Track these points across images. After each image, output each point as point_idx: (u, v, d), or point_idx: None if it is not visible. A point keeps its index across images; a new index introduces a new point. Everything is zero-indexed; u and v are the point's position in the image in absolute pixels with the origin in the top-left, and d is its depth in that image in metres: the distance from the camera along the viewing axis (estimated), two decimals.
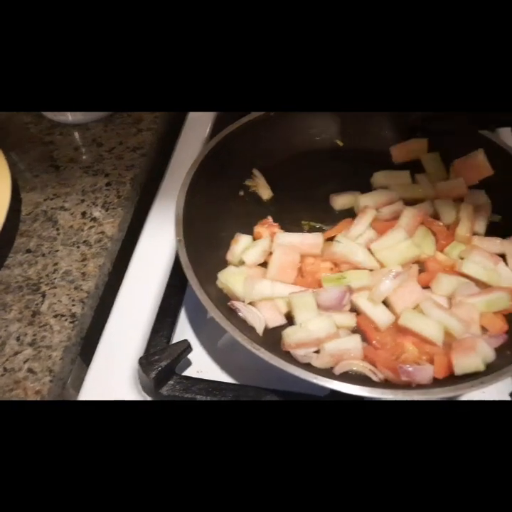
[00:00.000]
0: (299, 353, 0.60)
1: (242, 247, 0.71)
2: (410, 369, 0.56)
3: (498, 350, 0.61)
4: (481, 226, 0.74)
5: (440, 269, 0.70)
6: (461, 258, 0.71)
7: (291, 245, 0.70)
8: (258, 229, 0.74)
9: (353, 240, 0.71)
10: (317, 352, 0.62)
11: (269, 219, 0.76)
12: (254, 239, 0.74)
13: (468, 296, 0.66)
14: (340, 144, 0.88)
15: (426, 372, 0.57)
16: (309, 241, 0.71)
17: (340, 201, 0.80)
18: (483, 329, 0.65)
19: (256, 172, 0.82)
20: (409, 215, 0.74)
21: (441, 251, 0.73)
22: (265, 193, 0.81)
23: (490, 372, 0.55)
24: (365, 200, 0.78)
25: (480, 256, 0.68)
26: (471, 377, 0.55)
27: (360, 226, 0.73)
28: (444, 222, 0.76)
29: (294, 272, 0.69)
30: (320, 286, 0.67)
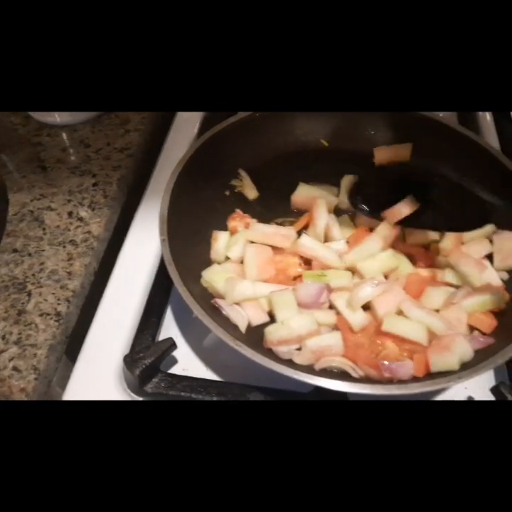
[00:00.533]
0: (281, 349, 0.61)
1: (223, 243, 0.72)
2: (393, 365, 0.57)
3: (479, 351, 0.62)
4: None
5: (423, 281, 0.70)
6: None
7: (264, 236, 0.72)
8: (232, 224, 0.75)
9: (320, 233, 0.74)
10: (299, 349, 0.62)
11: (239, 211, 0.77)
12: (231, 234, 0.75)
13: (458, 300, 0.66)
14: (326, 144, 0.89)
15: (407, 369, 0.58)
16: (283, 232, 0.73)
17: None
18: (472, 328, 0.66)
19: (242, 172, 0.83)
20: (385, 228, 0.75)
21: None
22: (251, 193, 0.82)
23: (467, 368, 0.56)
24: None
25: (465, 266, 0.68)
26: (449, 374, 0.56)
27: (320, 218, 0.75)
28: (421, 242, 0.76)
29: (271, 267, 0.70)
30: (293, 282, 0.69)
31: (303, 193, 0.82)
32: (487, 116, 1.03)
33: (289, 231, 0.74)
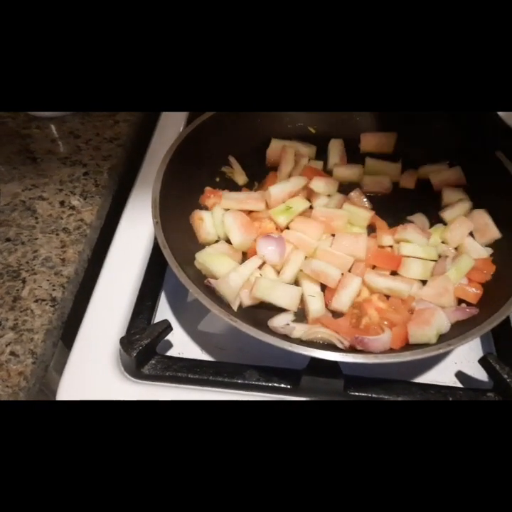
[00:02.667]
0: (277, 324, 0.62)
1: (210, 223, 0.74)
2: (365, 339, 0.58)
3: (465, 321, 0.64)
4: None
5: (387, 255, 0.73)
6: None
7: (238, 202, 0.76)
8: (207, 202, 0.77)
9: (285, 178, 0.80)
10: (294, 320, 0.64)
11: (209, 189, 0.79)
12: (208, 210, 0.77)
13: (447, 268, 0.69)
14: (313, 131, 0.90)
15: (381, 343, 0.59)
16: (254, 196, 0.77)
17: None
18: (460, 301, 0.68)
19: (232, 159, 0.84)
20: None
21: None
22: (241, 178, 0.83)
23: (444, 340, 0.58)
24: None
25: (412, 234, 0.72)
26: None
27: (287, 165, 0.82)
28: None
29: (253, 226, 0.73)
30: None
31: (276, 147, 0.85)
32: None
33: (260, 194, 0.78)
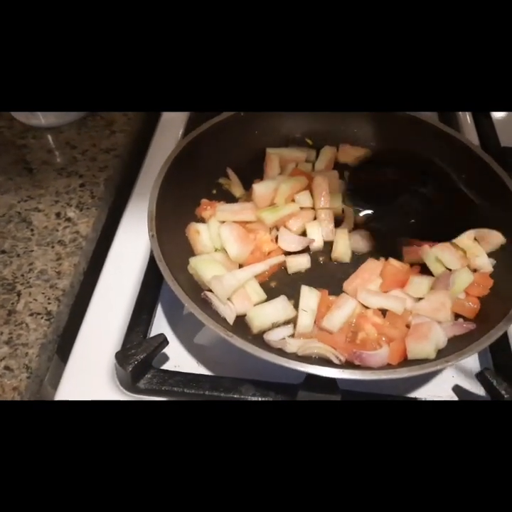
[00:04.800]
0: (273, 338, 0.62)
1: (206, 235, 0.74)
2: (363, 354, 0.58)
3: (462, 336, 0.64)
4: None
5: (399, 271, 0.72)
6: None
7: (233, 213, 0.76)
8: (203, 214, 0.77)
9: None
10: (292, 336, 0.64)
11: (205, 200, 0.79)
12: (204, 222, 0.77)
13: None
14: (310, 142, 0.90)
15: (379, 358, 0.59)
16: (249, 206, 0.77)
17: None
18: (457, 316, 0.67)
19: (229, 171, 0.84)
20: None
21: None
22: (237, 190, 0.83)
23: (442, 356, 0.58)
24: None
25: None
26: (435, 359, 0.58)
27: (272, 170, 0.83)
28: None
29: (249, 238, 0.73)
30: (268, 257, 0.73)
31: (272, 157, 0.85)
32: (467, 115, 1.05)
33: (254, 204, 0.78)
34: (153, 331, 0.70)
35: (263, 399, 0.62)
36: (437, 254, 0.71)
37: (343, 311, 0.66)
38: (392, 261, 0.72)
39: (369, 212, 0.80)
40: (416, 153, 0.84)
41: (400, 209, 0.80)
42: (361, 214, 0.80)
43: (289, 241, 0.74)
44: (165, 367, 0.68)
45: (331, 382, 0.60)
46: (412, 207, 0.79)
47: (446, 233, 0.74)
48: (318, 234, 0.76)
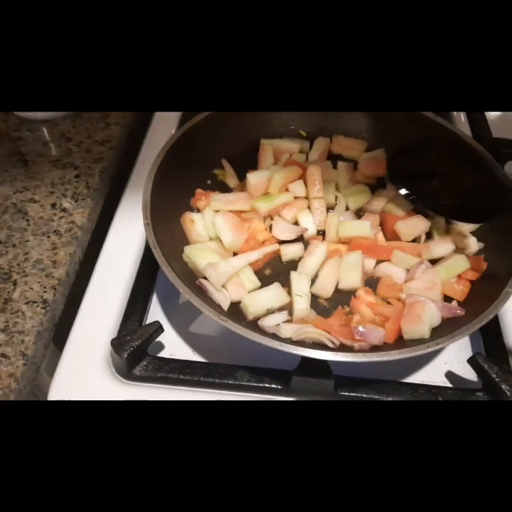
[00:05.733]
0: (267, 324, 0.62)
1: (201, 225, 0.74)
2: (365, 330, 0.60)
3: (452, 320, 0.65)
4: None
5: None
6: None
7: (228, 203, 0.77)
8: (197, 204, 0.78)
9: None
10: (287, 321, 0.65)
11: (200, 190, 0.79)
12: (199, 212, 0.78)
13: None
14: (304, 134, 0.91)
15: (378, 334, 0.60)
16: (243, 196, 0.78)
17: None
18: (447, 298, 0.69)
19: (224, 162, 0.85)
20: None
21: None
22: (232, 181, 0.83)
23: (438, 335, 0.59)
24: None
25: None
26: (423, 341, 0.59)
27: (266, 160, 0.84)
28: None
29: (244, 227, 0.74)
30: (262, 246, 0.74)
31: (266, 148, 0.86)
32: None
33: (248, 194, 0.79)
34: (149, 321, 0.70)
35: (258, 384, 0.63)
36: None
37: (314, 257, 0.70)
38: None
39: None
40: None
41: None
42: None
43: (283, 229, 0.75)
44: (160, 355, 0.68)
45: (324, 367, 0.60)
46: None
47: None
48: (311, 223, 0.77)
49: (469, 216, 0.74)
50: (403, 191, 0.77)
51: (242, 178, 0.84)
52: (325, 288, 0.70)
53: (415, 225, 0.75)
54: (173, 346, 0.70)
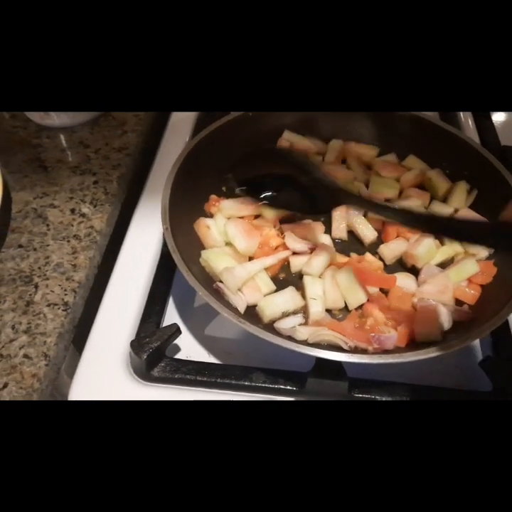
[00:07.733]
0: (283, 326, 0.64)
1: (216, 230, 0.76)
2: (381, 337, 0.61)
3: (463, 323, 0.66)
4: None
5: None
6: None
7: (239, 208, 0.78)
8: (211, 210, 0.80)
9: None
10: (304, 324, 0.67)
11: (214, 196, 0.81)
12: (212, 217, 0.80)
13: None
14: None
15: (393, 339, 0.62)
16: (250, 201, 0.79)
17: None
18: (458, 301, 0.70)
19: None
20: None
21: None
22: None
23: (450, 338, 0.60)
24: None
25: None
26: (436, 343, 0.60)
27: None
28: None
29: (256, 233, 0.76)
30: (275, 251, 0.75)
31: (286, 139, 0.89)
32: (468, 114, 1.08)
33: (256, 201, 0.79)
34: (165, 323, 0.72)
35: (273, 386, 0.65)
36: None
37: (321, 257, 0.71)
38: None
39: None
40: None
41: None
42: None
43: (295, 242, 0.76)
44: (177, 357, 0.70)
45: (338, 369, 0.62)
46: None
47: None
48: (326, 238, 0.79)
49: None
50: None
51: None
52: (335, 301, 0.71)
53: (398, 247, 0.76)
54: (189, 348, 0.72)
